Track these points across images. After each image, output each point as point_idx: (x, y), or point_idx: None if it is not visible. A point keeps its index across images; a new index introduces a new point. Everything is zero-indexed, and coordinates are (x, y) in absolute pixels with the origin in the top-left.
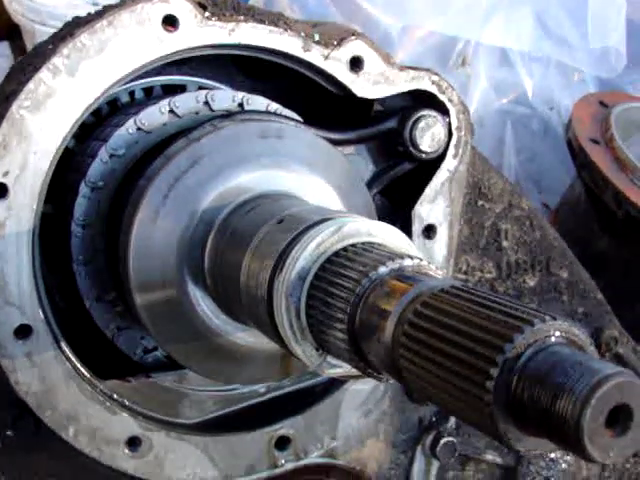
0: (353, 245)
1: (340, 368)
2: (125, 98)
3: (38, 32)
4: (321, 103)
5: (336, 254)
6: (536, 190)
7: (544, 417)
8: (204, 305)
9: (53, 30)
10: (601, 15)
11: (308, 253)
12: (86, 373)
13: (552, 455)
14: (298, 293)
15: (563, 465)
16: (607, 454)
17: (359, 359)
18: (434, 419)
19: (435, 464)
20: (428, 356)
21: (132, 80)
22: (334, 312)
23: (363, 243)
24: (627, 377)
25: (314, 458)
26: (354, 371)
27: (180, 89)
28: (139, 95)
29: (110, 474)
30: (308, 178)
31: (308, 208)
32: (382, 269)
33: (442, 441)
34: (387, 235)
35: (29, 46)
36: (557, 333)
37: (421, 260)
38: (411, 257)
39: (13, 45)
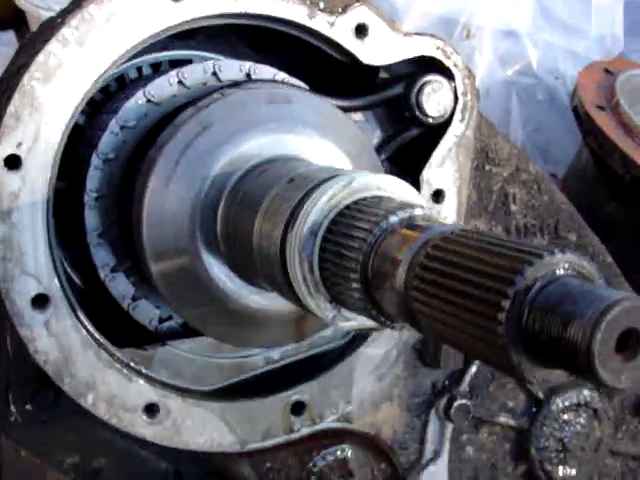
0: (364, 199)
1: (354, 321)
2: (133, 74)
3: (44, 18)
4: (327, 71)
5: (347, 207)
6: (543, 160)
7: (555, 346)
8: (218, 270)
9: None
10: (602, 2)
11: (319, 208)
12: (103, 341)
13: (565, 417)
14: (311, 247)
15: (577, 427)
16: (618, 378)
17: (372, 308)
18: (447, 382)
19: (449, 427)
20: (440, 296)
21: (139, 55)
22: (347, 263)
23: (373, 197)
24: (636, 301)
25: (329, 423)
26: (368, 323)
27: (187, 63)
28: (147, 70)
29: (126, 446)
30: (318, 142)
31: (318, 167)
32: (393, 218)
33: (456, 404)
34: (396, 188)
35: None
36: (566, 265)
37: (431, 209)
38: (421, 207)
39: (19, 34)
